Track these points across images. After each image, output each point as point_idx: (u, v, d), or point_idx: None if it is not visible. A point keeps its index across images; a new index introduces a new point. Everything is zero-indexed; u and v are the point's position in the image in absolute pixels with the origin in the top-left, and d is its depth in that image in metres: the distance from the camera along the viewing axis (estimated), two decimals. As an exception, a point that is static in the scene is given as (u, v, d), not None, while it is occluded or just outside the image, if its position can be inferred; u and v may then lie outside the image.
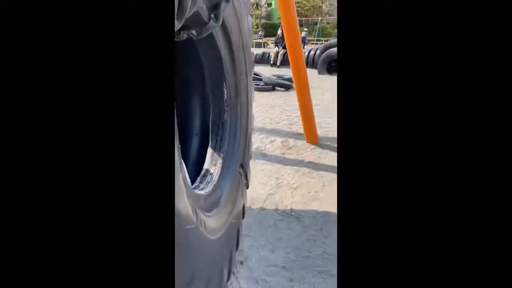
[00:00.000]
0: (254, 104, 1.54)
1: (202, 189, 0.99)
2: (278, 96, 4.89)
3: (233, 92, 1.28)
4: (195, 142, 1.47)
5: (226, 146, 1.23)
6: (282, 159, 2.53)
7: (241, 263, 1.43)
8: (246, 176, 1.38)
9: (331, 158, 2.50)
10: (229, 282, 1.28)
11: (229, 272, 1.07)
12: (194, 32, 0.91)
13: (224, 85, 1.25)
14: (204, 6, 0.86)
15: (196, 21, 0.87)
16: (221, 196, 1.04)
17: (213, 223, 0.89)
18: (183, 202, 0.60)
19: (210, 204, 0.93)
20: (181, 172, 0.62)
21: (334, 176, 2.19)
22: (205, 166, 1.16)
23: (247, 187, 1.44)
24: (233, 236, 1.16)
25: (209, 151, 1.22)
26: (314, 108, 2.89)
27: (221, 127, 1.28)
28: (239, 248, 1.48)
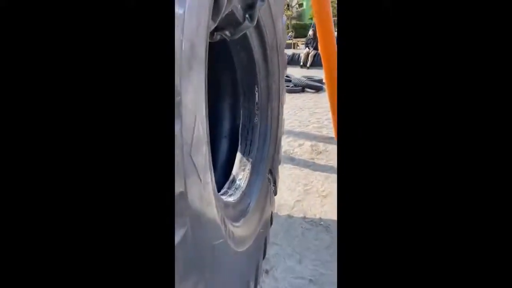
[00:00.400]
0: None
1: (230, 195, 0.96)
2: (308, 97, 4.77)
3: (264, 95, 1.23)
4: (223, 145, 1.44)
5: (255, 150, 1.19)
6: (311, 164, 2.44)
7: (267, 272, 1.37)
8: (274, 182, 1.32)
9: (364, 165, 2.35)
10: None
11: (256, 284, 1.02)
12: (227, 32, 0.88)
13: (256, 88, 1.21)
14: (239, 5, 0.82)
15: (231, 21, 0.83)
16: (249, 203, 0.99)
17: (241, 233, 0.85)
18: (212, 214, 0.56)
19: (239, 212, 0.89)
20: (212, 182, 0.58)
21: (367, 185, 2.05)
22: (234, 171, 1.12)
23: (275, 194, 1.38)
24: (260, 246, 1.11)
25: (238, 155, 1.19)
26: (347, 111, 2.73)
27: (251, 131, 1.24)
28: (265, 256, 1.43)
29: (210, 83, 1.50)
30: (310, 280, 1.33)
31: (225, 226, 0.64)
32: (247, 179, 1.08)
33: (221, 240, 0.58)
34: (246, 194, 1.02)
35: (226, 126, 1.46)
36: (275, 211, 1.82)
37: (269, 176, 1.28)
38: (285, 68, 1.47)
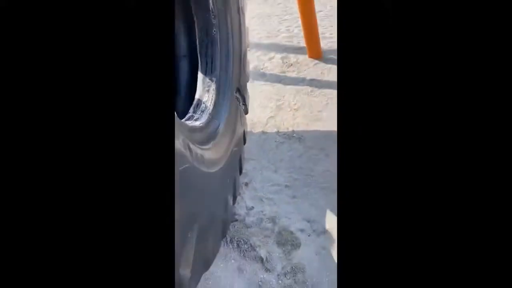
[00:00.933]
0: (247, 15, 1.30)
1: (196, 120, 0.91)
2: (276, 2, 4.24)
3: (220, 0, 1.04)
4: (183, 66, 1.30)
5: (218, 68, 1.08)
6: (282, 78, 2.36)
7: (246, 184, 1.48)
8: (244, 101, 1.28)
9: (335, 74, 2.32)
10: (236, 204, 1.35)
11: (235, 197, 1.09)
12: None
13: (208, -10, 1.01)
14: None
15: None
16: (218, 125, 0.96)
17: (213, 155, 0.85)
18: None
19: (207, 135, 0.87)
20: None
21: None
22: (197, 94, 1.05)
23: (246, 113, 1.35)
24: (235, 164, 1.15)
25: (200, 76, 1.08)
26: (317, 15, 2.51)
27: (210, 45, 1.10)
28: (243, 171, 1.51)
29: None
30: (286, 186, 1.47)
31: (191, 151, 0.62)
32: (212, 101, 1.02)
33: (186, 165, 0.56)
34: (213, 116, 0.98)
35: (182, 43, 1.28)
36: (248, 129, 1.84)
37: (237, 95, 1.22)
38: (242, -38, 1.21)
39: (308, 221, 1.31)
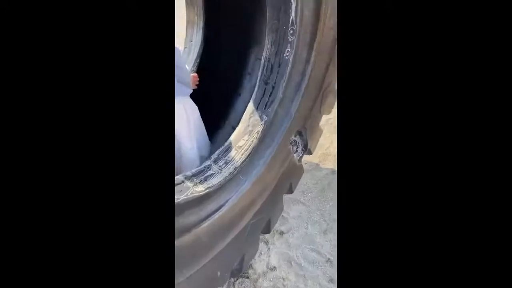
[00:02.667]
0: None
1: (208, 177, 0.67)
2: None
3: (309, 6, 0.68)
4: (256, 69, 1.04)
5: (276, 103, 0.77)
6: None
7: (281, 234, 1.20)
8: (306, 146, 0.94)
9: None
10: (257, 255, 1.12)
11: (239, 271, 0.85)
12: None
13: (292, -6, 0.67)
14: None
15: None
16: (239, 189, 0.70)
17: (204, 238, 0.61)
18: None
19: (202, 216, 0.62)
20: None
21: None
22: (233, 134, 0.78)
23: (310, 154, 1.02)
24: (251, 236, 0.86)
25: (249, 108, 0.81)
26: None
27: (276, 70, 0.78)
28: (284, 215, 1.23)
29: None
30: (329, 260, 1.11)
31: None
32: (249, 148, 0.74)
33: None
34: (240, 171, 0.71)
35: (249, 58, 1.01)
36: (316, 161, 1.48)
37: (297, 138, 0.90)
38: None
39: (334, 327, 0.97)
